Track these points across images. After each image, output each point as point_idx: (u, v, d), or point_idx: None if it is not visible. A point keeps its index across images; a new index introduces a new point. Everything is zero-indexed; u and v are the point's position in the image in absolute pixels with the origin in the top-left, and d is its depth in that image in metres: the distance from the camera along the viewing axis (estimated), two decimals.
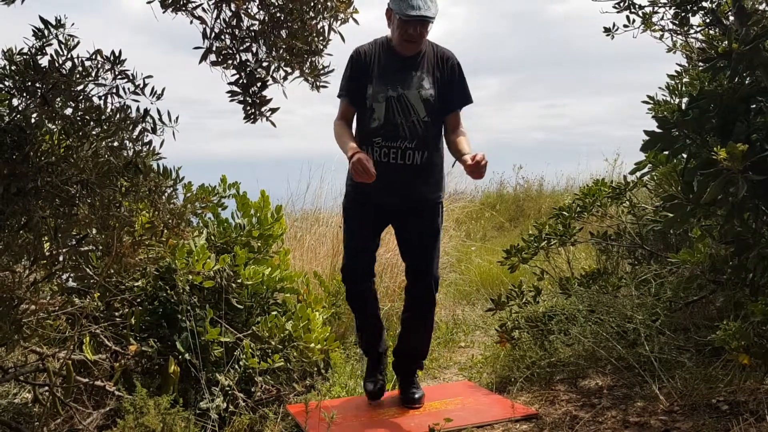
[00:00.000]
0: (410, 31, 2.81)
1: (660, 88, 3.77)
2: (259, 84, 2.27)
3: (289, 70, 2.29)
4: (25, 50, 2.25)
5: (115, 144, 2.27)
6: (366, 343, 3.23)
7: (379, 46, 2.97)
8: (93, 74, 2.23)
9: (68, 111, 2.22)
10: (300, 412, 2.92)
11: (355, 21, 2.30)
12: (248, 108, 2.30)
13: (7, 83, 2.15)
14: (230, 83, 2.27)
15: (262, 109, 2.30)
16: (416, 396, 3.08)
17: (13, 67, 2.18)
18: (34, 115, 2.18)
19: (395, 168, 2.88)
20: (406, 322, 3.17)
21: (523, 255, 3.85)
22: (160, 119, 2.32)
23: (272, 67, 2.27)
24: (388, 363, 3.33)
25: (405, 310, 3.18)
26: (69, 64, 2.21)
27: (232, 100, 2.29)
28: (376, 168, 2.75)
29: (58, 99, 2.16)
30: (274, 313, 3.36)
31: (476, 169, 2.74)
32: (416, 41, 2.86)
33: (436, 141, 2.97)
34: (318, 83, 2.35)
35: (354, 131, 2.99)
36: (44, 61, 2.20)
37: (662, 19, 4.22)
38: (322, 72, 2.33)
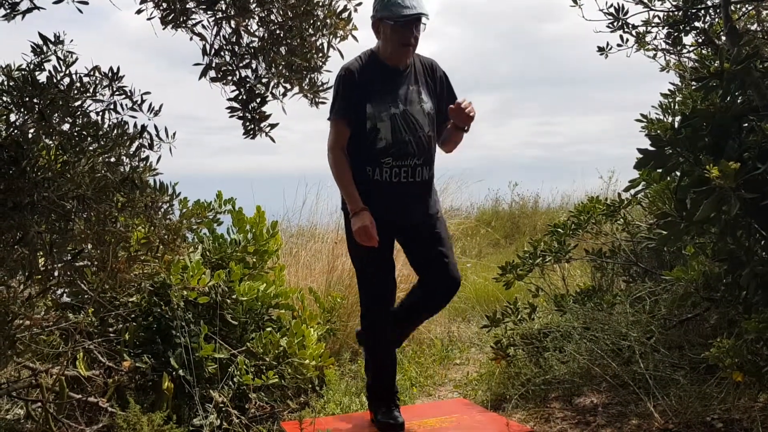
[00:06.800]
0: (407, 33, 2.71)
1: (653, 106, 3.80)
2: (258, 100, 2.30)
3: (288, 86, 2.32)
4: (24, 66, 2.27)
5: (112, 159, 2.28)
6: (384, 382, 2.99)
7: (369, 62, 2.82)
8: (91, 90, 2.25)
9: (65, 126, 2.24)
10: (294, 430, 2.90)
11: (354, 38, 2.32)
12: (247, 124, 2.32)
13: (5, 99, 2.17)
14: (230, 99, 2.29)
15: (262, 125, 2.32)
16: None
17: (11, 83, 2.20)
18: (32, 131, 2.19)
19: (406, 186, 2.79)
20: (417, 312, 3.02)
21: (519, 272, 3.85)
22: (158, 135, 2.34)
23: (272, 84, 2.30)
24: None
25: (419, 303, 3.00)
26: (67, 80, 2.23)
27: (231, 116, 2.31)
28: (387, 188, 2.75)
29: (56, 114, 2.17)
30: (269, 329, 3.36)
31: (458, 113, 2.75)
32: (413, 45, 2.77)
33: (435, 154, 2.93)
34: (317, 99, 2.38)
35: (351, 153, 2.82)
36: (42, 77, 2.22)
37: (655, 38, 4.26)
38: (321, 88, 2.35)
